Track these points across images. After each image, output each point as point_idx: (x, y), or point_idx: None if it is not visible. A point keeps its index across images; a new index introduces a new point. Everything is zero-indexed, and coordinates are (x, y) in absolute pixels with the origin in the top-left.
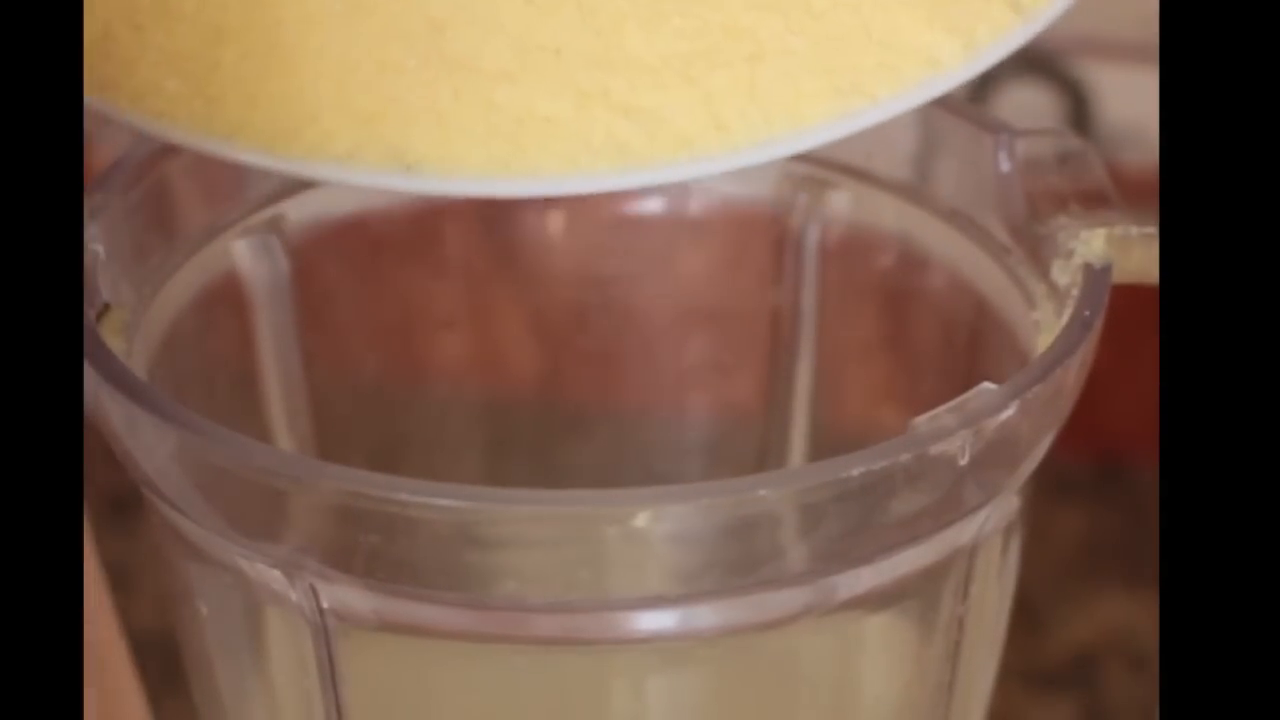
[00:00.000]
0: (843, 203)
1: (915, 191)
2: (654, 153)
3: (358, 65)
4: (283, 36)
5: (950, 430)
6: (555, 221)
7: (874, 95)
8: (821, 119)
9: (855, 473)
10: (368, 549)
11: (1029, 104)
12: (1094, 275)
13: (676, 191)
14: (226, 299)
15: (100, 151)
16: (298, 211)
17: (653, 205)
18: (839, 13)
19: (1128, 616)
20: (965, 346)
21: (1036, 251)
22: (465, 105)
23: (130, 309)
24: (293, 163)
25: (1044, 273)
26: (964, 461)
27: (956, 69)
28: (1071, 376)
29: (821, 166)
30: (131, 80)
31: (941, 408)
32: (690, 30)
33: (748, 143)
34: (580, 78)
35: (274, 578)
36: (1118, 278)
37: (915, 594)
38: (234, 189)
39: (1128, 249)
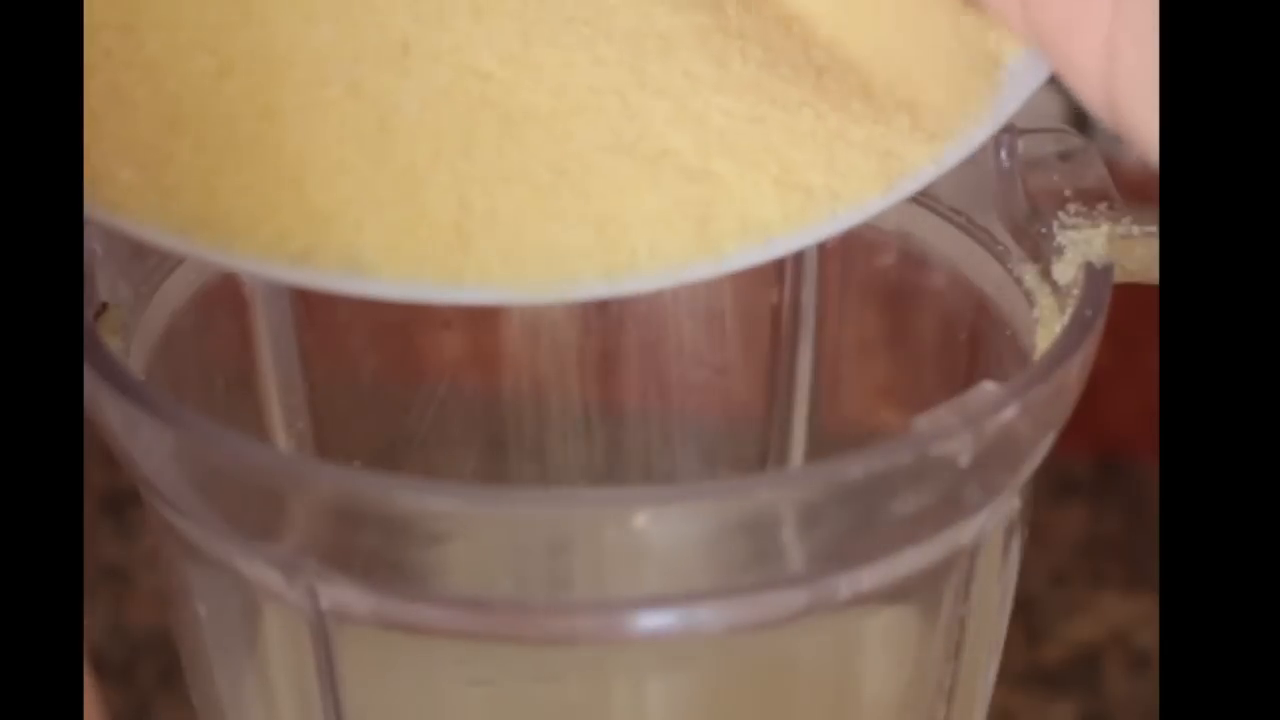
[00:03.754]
0: None
1: (916, 191)
2: (605, 260)
3: (313, 163)
4: (238, 130)
5: (951, 430)
6: None
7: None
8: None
9: (856, 473)
10: (366, 549)
11: (1030, 102)
12: (1095, 275)
13: None
14: (225, 298)
15: None
16: None
17: None
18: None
19: (1128, 616)
20: (965, 346)
21: (1037, 251)
22: (414, 212)
23: (128, 308)
24: (249, 262)
25: (1045, 272)
26: (965, 461)
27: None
28: (1073, 376)
29: None
30: (85, 168)
31: (942, 408)
32: (631, 136)
33: (683, 261)
34: (525, 187)
35: (272, 578)
36: (1118, 277)
37: (916, 594)
38: None
39: (1129, 248)
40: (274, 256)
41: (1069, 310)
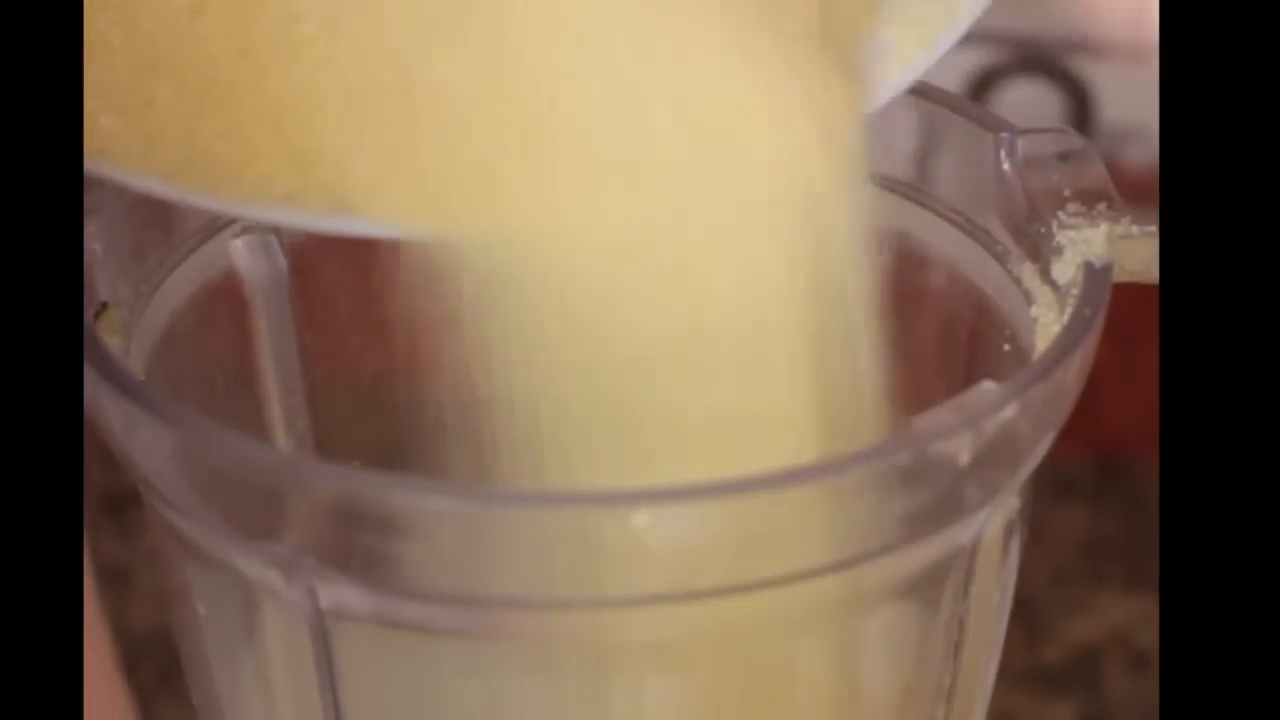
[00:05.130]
0: None
1: (915, 190)
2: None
3: (293, 104)
4: (216, 71)
5: (950, 430)
6: None
7: None
8: None
9: (855, 472)
10: (366, 549)
11: (1030, 102)
12: (1095, 274)
13: None
14: (225, 298)
15: None
16: None
17: None
18: None
19: (1128, 616)
20: (965, 346)
21: (1036, 250)
22: (397, 151)
23: (128, 308)
24: (235, 205)
25: (1044, 272)
26: (964, 461)
27: None
28: (1072, 376)
29: None
30: None
31: (941, 407)
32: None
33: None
34: (499, 127)
35: (272, 577)
36: (1118, 277)
37: (915, 594)
38: None
39: (1128, 248)
40: (261, 200)
41: (1068, 310)
